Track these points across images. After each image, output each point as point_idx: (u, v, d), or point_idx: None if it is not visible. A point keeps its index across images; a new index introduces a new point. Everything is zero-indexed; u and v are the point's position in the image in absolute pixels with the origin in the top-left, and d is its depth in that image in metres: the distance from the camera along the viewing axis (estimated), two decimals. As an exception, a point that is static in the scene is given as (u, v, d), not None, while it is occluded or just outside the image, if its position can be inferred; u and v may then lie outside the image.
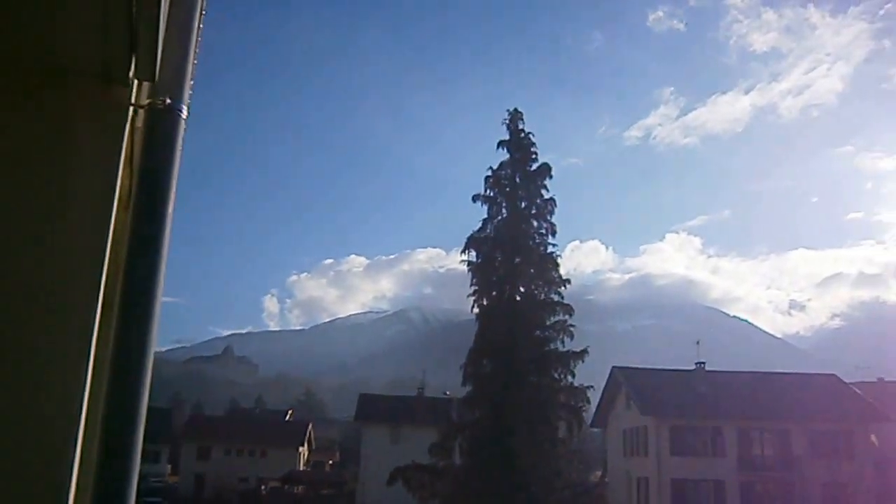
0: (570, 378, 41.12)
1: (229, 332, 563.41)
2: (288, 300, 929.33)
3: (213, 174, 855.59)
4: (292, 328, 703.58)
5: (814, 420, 53.28)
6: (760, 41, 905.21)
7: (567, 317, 41.70)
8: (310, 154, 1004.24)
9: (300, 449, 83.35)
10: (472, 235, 42.74)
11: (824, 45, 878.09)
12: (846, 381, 60.70)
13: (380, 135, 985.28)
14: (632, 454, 55.79)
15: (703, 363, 59.13)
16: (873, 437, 54.77)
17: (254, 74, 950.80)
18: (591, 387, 43.27)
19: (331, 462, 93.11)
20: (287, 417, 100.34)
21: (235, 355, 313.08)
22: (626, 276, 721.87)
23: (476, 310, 42.05)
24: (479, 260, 42.44)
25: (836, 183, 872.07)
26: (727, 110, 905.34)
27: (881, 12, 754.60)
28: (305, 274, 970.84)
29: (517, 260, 42.26)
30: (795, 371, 70.20)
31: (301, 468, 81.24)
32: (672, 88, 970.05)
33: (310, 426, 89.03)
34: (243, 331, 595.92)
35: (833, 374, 61.97)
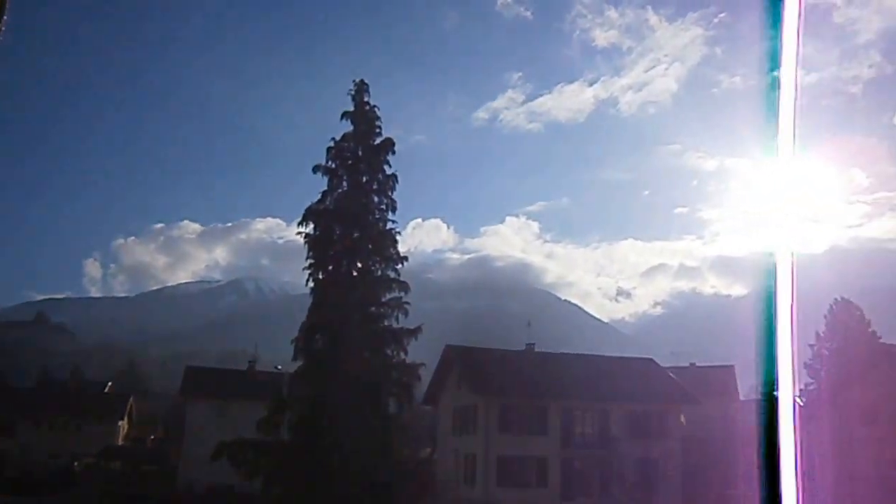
0: (402, 355, 41.20)
1: (43, 297, 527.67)
2: (112, 265, 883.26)
3: (31, 119, 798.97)
4: (116, 295, 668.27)
5: (631, 401, 55.91)
6: (603, 37, 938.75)
7: (403, 294, 41.69)
8: (143, 108, 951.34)
9: (120, 423, 79.59)
10: (310, 207, 41.89)
11: (663, 46, 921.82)
12: (663, 365, 64.12)
13: (222, 97, 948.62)
14: (461, 431, 56.65)
15: (534, 344, 60.76)
16: (682, 418, 58.12)
17: (85, 17, 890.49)
18: (423, 364, 43.49)
19: (153, 437, 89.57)
20: (106, 389, 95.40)
21: (50, 322, 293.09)
22: (466, 257, 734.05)
23: (311, 283, 41.34)
24: (317, 233, 41.66)
25: (666, 178, 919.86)
26: (572, 100, 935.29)
27: (715, 20, 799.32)
28: (133, 238, 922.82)
29: (356, 235, 41.80)
30: (619, 355, 73.47)
31: (120, 443, 77.72)
32: (520, 74, 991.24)
33: (131, 399, 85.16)
34: (60, 296, 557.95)
35: (651, 359, 65.26)
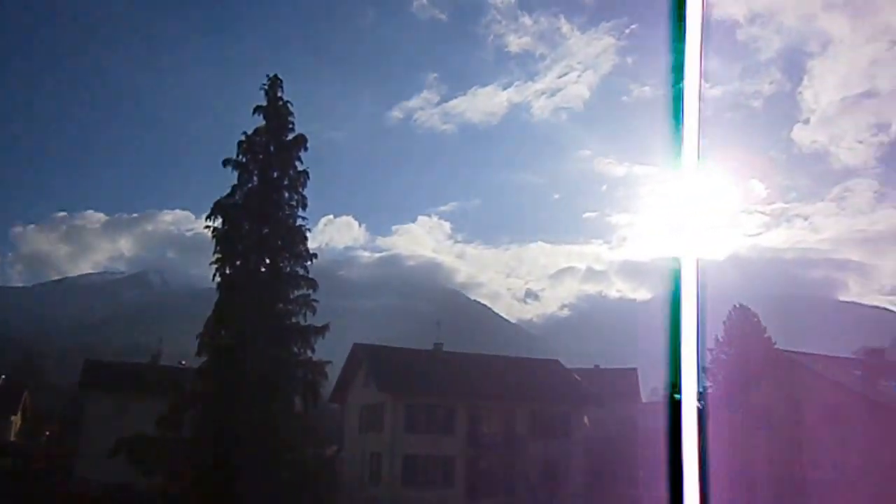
0: (309, 353, 40.89)
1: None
2: (10, 254, 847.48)
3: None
4: (13, 285, 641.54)
5: (537, 401, 56.62)
6: (516, 43, 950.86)
7: (311, 291, 41.36)
8: (49, 94, 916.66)
9: (12, 418, 76.41)
10: (219, 201, 41.13)
11: (576, 54, 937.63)
12: (568, 366, 65.17)
13: (132, 85, 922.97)
14: (368, 430, 56.38)
15: (442, 344, 60.93)
16: (586, 419, 59.19)
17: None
18: (330, 362, 43.20)
19: (48, 433, 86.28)
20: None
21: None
22: (377, 255, 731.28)
23: (218, 278, 40.57)
24: (226, 227, 40.93)
25: (576, 183, 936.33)
26: (486, 103, 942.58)
27: (627, 31, 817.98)
28: (33, 226, 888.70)
29: (265, 230, 41.26)
30: (526, 355, 74.36)
31: (12, 439, 74.60)
32: (435, 75, 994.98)
33: (25, 393, 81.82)
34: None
35: (557, 360, 66.25)
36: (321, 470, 43.10)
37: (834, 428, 46.02)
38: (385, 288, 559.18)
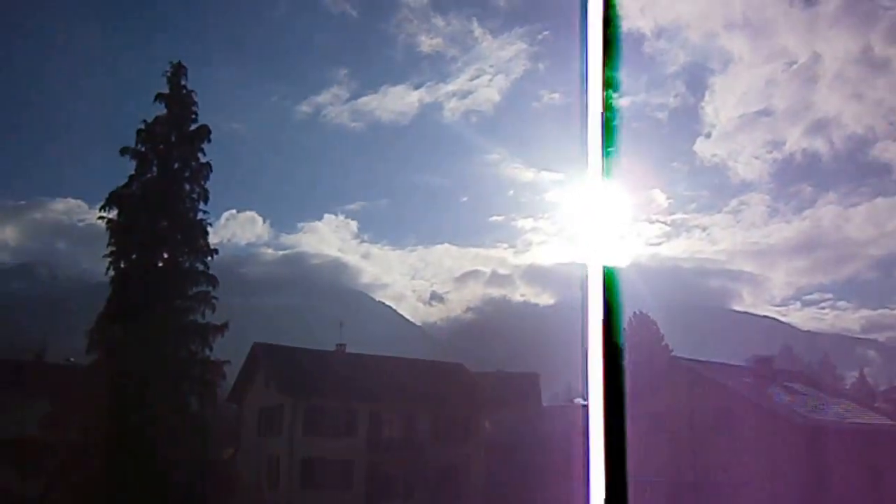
0: (207, 351, 39.74)
1: None
2: None
3: None
4: None
5: (438, 405, 56.46)
6: (428, 43, 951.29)
7: (211, 288, 40.16)
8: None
9: None
10: (115, 191, 39.52)
11: (488, 57, 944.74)
12: (471, 370, 65.27)
13: (22, 66, 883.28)
14: (267, 432, 55.16)
15: (345, 345, 60.23)
16: (487, 423, 59.35)
17: None
18: (228, 361, 42.04)
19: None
20: None
21: None
22: (280, 253, 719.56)
23: (112, 272, 38.96)
24: (121, 219, 39.35)
25: (484, 186, 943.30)
26: (396, 102, 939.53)
27: (539, 37, 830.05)
28: None
29: (164, 223, 39.86)
30: (430, 358, 74.17)
31: None
32: (346, 71, 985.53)
33: None
34: None
35: (460, 363, 66.30)
36: (217, 472, 41.89)
37: (726, 433, 47.40)
38: (288, 287, 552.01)
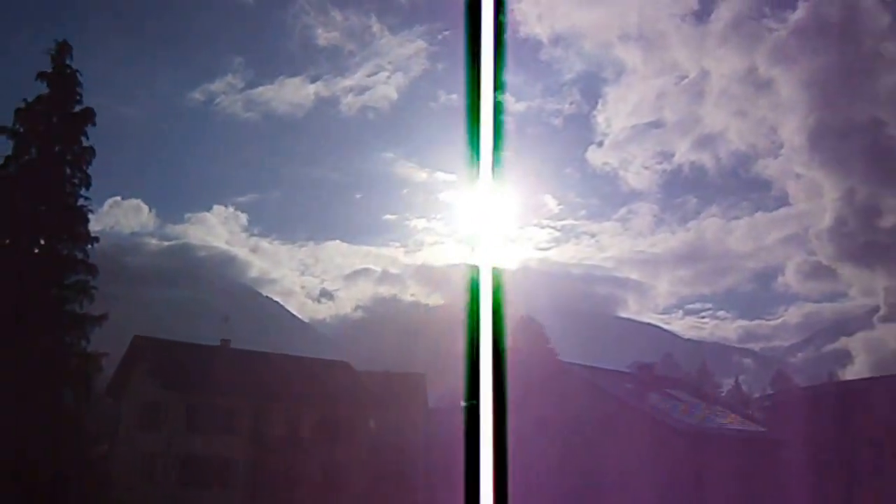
0: (84, 343, 38.22)
1: None
2: None
3: None
4: None
5: (323, 404, 55.97)
6: (325, 36, 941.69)
7: (90, 277, 38.63)
8: None
9: None
10: (-11, 172, 37.51)
11: (387, 54, 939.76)
12: (358, 369, 64.96)
13: None
14: (146, 428, 53.48)
15: (229, 340, 59.10)
16: (372, 423, 59.17)
17: None
18: (107, 354, 40.53)
19: None
20: None
21: None
22: (166, 243, 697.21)
23: (-16, 257, 36.99)
24: (-5, 202, 37.44)
25: (378, 184, 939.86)
26: (293, 94, 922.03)
27: (440, 37, 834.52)
28: None
29: (41, 208, 38.12)
30: (318, 356, 73.52)
31: None
32: (241, 59, 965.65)
33: None
34: None
35: (346, 362, 65.96)
36: (92, 469, 40.26)
37: (608, 438, 48.69)
38: (173, 278, 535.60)
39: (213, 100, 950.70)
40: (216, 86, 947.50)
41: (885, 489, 49.17)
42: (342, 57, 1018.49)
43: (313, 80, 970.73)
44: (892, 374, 76.91)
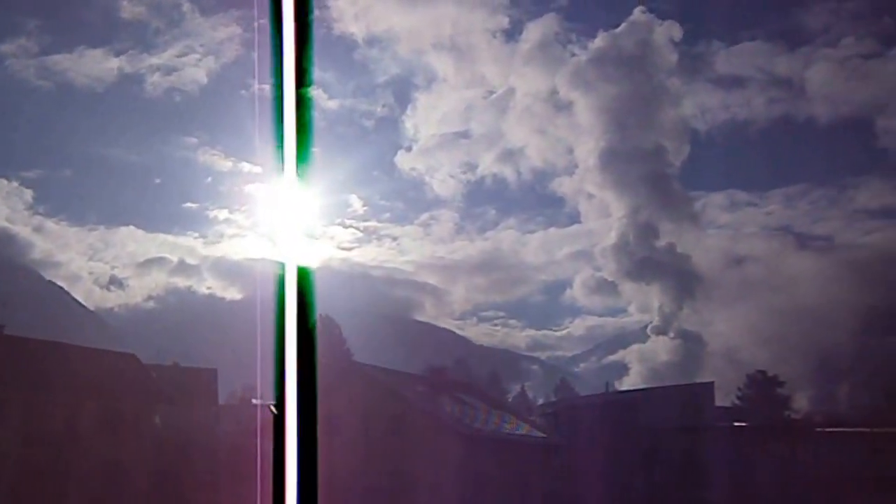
0: None
1: None
2: None
3: None
4: None
5: (105, 397, 53.45)
6: (130, 10, 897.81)
7: None
8: None
9: None
10: None
11: (199, 35, 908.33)
12: (146, 362, 62.53)
13: None
14: None
15: (4, 326, 55.26)
16: (158, 419, 57.10)
17: None
18: None
19: None
20: None
21: None
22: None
23: None
24: None
25: (180, 170, 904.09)
26: (92, 67, 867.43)
27: (255, 24, 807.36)
28: None
29: None
30: (104, 347, 70.15)
31: None
32: (38, 23, 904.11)
33: None
34: None
35: (133, 354, 63.29)
36: None
37: (393, 438, 49.64)
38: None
39: (2, 62, 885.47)
40: (6, 47, 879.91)
41: (656, 494, 53.34)
42: (148, 33, 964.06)
43: (117, 55, 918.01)
44: (661, 385, 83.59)
